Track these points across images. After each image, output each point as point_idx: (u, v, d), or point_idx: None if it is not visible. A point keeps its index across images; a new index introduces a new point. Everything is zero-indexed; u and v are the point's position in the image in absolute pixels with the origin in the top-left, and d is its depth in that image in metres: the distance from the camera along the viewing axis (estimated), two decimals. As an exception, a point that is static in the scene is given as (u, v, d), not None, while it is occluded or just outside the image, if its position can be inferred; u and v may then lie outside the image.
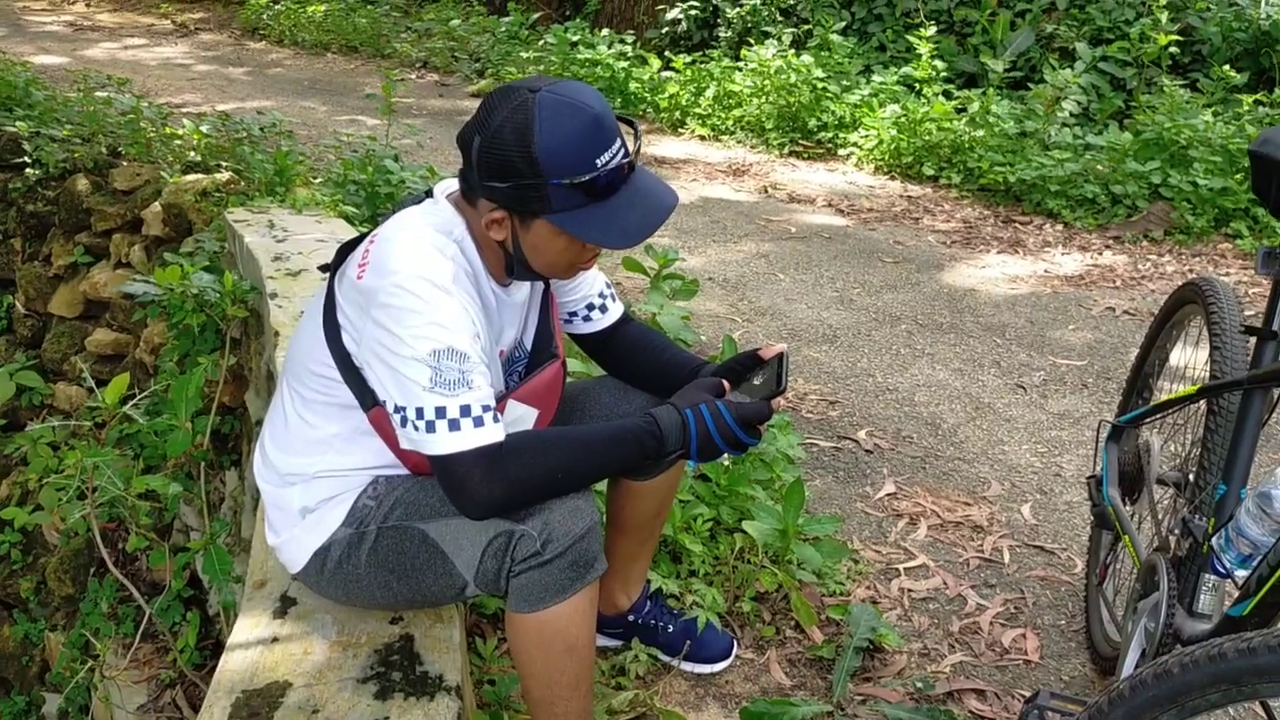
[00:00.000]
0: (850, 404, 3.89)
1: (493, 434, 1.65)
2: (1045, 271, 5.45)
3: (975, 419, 3.81)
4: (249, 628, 1.97)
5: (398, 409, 1.67)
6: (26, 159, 5.62)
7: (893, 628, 2.54)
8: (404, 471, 1.87)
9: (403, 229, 1.75)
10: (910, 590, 2.75)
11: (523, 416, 1.90)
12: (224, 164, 5.22)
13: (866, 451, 3.52)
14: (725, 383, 1.90)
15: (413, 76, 9.96)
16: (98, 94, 6.26)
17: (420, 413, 1.64)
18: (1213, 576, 1.86)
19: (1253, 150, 1.93)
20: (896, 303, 4.96)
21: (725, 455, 1.87)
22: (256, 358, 3.72)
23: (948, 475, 3.38)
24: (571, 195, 1.65)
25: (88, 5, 13.37)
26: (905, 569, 2.85)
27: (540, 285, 2.00)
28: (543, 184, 1.64)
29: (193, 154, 5.41)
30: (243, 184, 4.99)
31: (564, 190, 1.64)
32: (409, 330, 1.64)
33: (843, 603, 2.62)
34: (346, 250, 1.86)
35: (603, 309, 2.11)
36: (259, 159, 5.10)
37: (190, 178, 5.02)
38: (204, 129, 5.54)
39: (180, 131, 5.63)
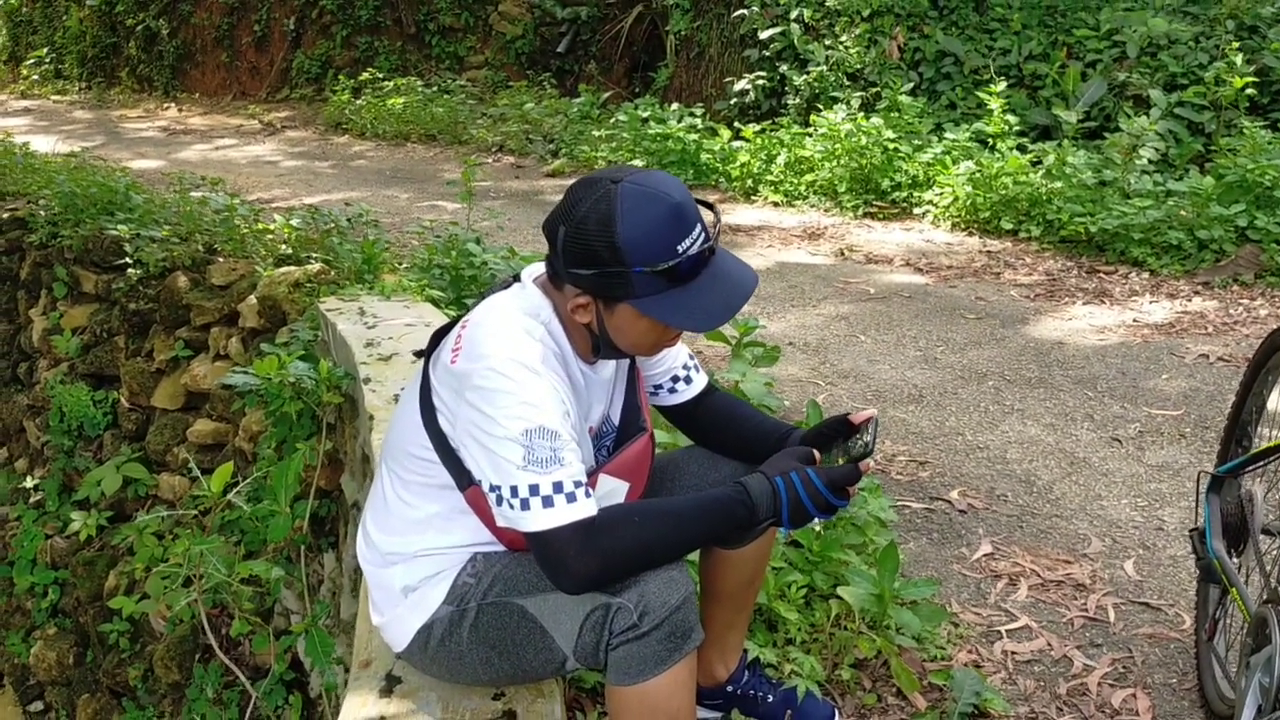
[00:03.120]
0: (940, 464, 3.85)
1: (586, 509, 1.69)
2: (1134, 321, 5.36)
3: (1071, 474, 3.74)
4: (357, 707, 2.02)
5: (493, 488, 1.72)
6: (128, 259, 5.87)
7: (998, 692, 2.49)
8: (501, 548, 1.91)
9: (493, 314, 1.82)
10: (1014, 653, 2.70)
11: (614, 490, 1.93)
12: (314, 255, 5.40)
13: (960, 512, 3.48)
14: (815, 451, 1.91)
15: (489, 160, 10.22)
16: (193, 194, 6.55)
17: (515, 491, 1.68)
18: (1328, 629, 1.80)
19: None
20: (982, 359, 4.91)
21: (816, 520, 1.88)
22: (351, 441, 3.82)
23: (1045, 533, 3.32)
24: (654, 281, 1.71)
25: (180, 110, 14.00)
26: (1007, 631, 2.80)
27: (626, 361, 2.04)
28: (626, 272, 1.70)
29: (284, 247, 5.61)
30: (333, 273, 5.16)
31: (647, 277, 1.70)
32: (502, 411, 1.70)
33: (944, 667, 2.58)
34: (440, 335, 1.93)
35: (687, 380, 2.15)
36: (347, 249, 5.27)
37: (283, 270, 5.20)
38: (294, 223, 5.75)
39: (271, 226, 5.85)
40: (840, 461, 1.89)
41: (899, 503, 3.52)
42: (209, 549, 3.64)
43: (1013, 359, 4.90)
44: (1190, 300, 5.60)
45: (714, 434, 2.17)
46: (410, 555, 1.93)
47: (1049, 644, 2.73)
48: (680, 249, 1.72)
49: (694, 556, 2.36)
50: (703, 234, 1.76)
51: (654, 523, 1.75)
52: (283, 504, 3.75)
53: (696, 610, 1.77)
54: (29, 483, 6.32)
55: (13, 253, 7.13)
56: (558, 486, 1.68)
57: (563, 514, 1.67)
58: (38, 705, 5.83)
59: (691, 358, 2.18)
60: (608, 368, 1.98)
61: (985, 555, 3.18)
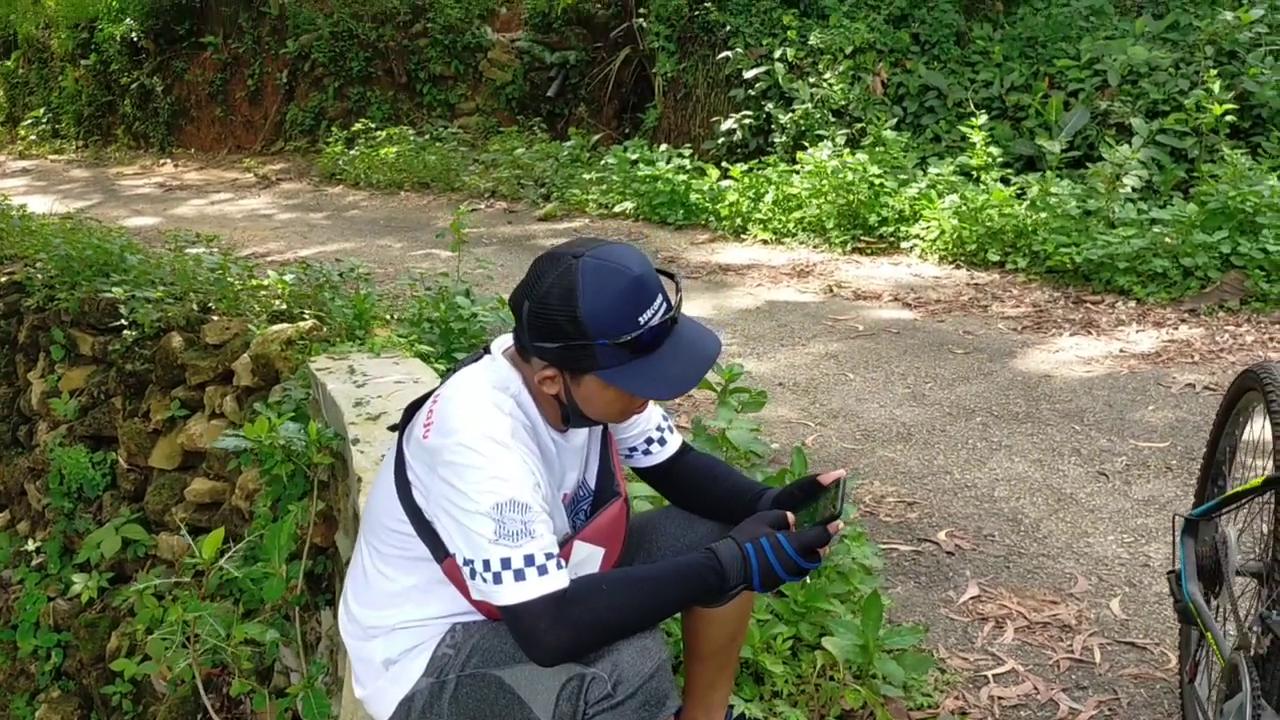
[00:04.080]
0: (929, 504, 3.88)
1: (557, 581, 1.72)
2: (1120, 351, 5.40)
3: (1058, 511, 3.76)
4: (342, 780, 2.04)
5: (466, 561, 1.76)
6: (123, 321, 5.93)
7: (983, 738, 2.50)
8: (480, 617, 1.94)
9: (462, 388, 1.86)
10: (1000, 698, 2.72)
11: (590, 556, 1.96)
12: (307, 311, 5.46)
13: (948, 553, 3.50)
14: (788, 515, 1.94)
15: (482, 206, 10.30)
16: (188, 251, 6.62)
17: (487, 564, 1.72)
18: (1297, 674, 1.82)
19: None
20: (970, 395, 4.94)
21: (788, 583, 1.91)
22: (344, 499, 3.85)
23: (1032, 573, 3.34)
24: (617, 353, 1.75)
25: (176, 166, 14.14)
26: (994, 675, 2.81)
27: (599, 426, 2.08)
28: (590, 344, 1.75)
29: (278, 303, 5.67)
30: (325, 330, 5.21)
31: (610, 349, 1.75)
32: (472, 485, 1.74)
33: (931, 715, 2.60)
34: (413, 409, 1.97)
35: (661, 442, 2.19)
36: (338, 304, 5.32)
37: (275, 328, 5.25)
38: (287, 278, 5.81)
39: (265, 282, 5.91)
40: (809, 524, 1.92)
41: (887, 545, 3.55)
42: (204, 613, 3.67)
43: (1000, 394, 4.93)
44: (1176, 328, 5.64)
45: (690, 494, 2.21)
46: (390, 628, 1.97)
47: (1035, 687, 2.75)
48: (642, 320, 1.77)
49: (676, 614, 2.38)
50: (664, 304, 1.81)
51: (625, 592, 1.78)
52: (277, 565, 3.78)
53: (671, 677, 1.80)
54: (31, 545, 6.35)
55: (10, 316, 7.19)
56: (529, 559, 1.72)
57: (534, 587, 1.71)
58: (42, 769, 5.82)
59: (665, 418, 2.22)
60: (580, 434, 2.02)
61: (972, 598, 3.20)
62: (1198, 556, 2.38)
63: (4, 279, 7.23)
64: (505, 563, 1.71)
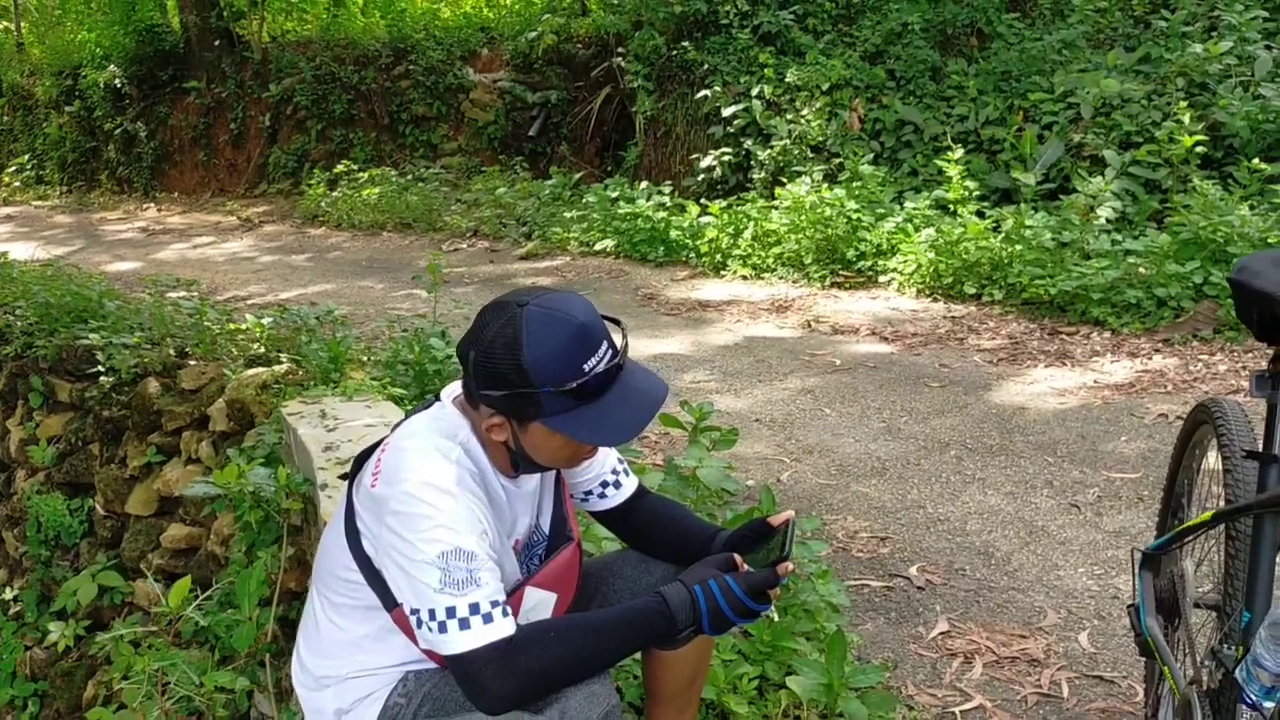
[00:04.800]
0: (901, 539, 3.88)
1: (502, 629, 1.72)
2: (1094, 382, 5.42)
3: (1029, 544, 3.77)
4: (297, 832, 2.02)
5: (413, 610, 1.75)
6: (100, 367, 5.92)
7: (948, 777, 2.49)
8: (433, 665, 1.93)
9: (410, 437, 1.87)
10: (967, 734, 2.71)
11: (542, 602, 1.96)
12: (284, 355, 5.46)
13: (918, 588, 3.50)
14: (736, 557, 1.95)
15: (464, 246, 10.34)
16: (168, 295, 6.62)
17: (432, 614, 1.72)
18: (1249, 709, 1.82)
19: (1232, 279, 1.97)
20: (944, 428, 4.96)
21: (738, 626, 1.90)
22: (315, 545, 3.83)
23: (1002, 607, 3.34)
24: (562, 400, 1.76)
25: (159, 210, 14.16)
26: (961, 712, 2.81)
27: (552, 472, 2.08)
28: (535, 393, 1.75)
29: (256, 346, 5.67)
30: (300, 373, 5.21)
31: (555, 397, 1.75)
32: (418, 535, 1.74)
33: (896, 754, 2.59)
34: (363, 458, 1.97)
35: (616, 485, 2.19)
36: (314, 348, 5.32)
37: (251, 372, 5.25)
38: (265, 321, 5.81)
39: (244, 326, 5.91)
40: (758, 566, 1.92)
41: (859, 581, 3.55)
42: (177, 660, 3.65)
43: (975, 426, 4.94)
44: (1150, 358, 5.66)
45: (645, 537, 2.21)
46: (342, 677, 1.96)
47: (1002, 724, 2.74)
48: (586, 368, 1.77)
49: (638, 655, 2.38)
50: (609, 351, 1.82)
51: (572, 638, 1.78)
52: (246, 612, 3.76)
53: (620, 722, 1.79)
54: (8, 594, 6.29)
55: (-11, 364, 7.17)
56: (474, 608, 1.71)
57: (479, 635, 1.70)
58: (19, 823, 5.75)
59: (621, 462, 2.22)
60: (532, 480, 2.02)
61: (942, 633, 3.19)
62: (1156, 590, 2.38)
63: (-17, 326, 7.21)
64: (450, 611, 1.71)
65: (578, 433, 1.80)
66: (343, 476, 2.03)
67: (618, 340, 1.86)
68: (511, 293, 1.87)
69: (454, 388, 1.97)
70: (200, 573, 4.91)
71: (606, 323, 1.86)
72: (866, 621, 3.30)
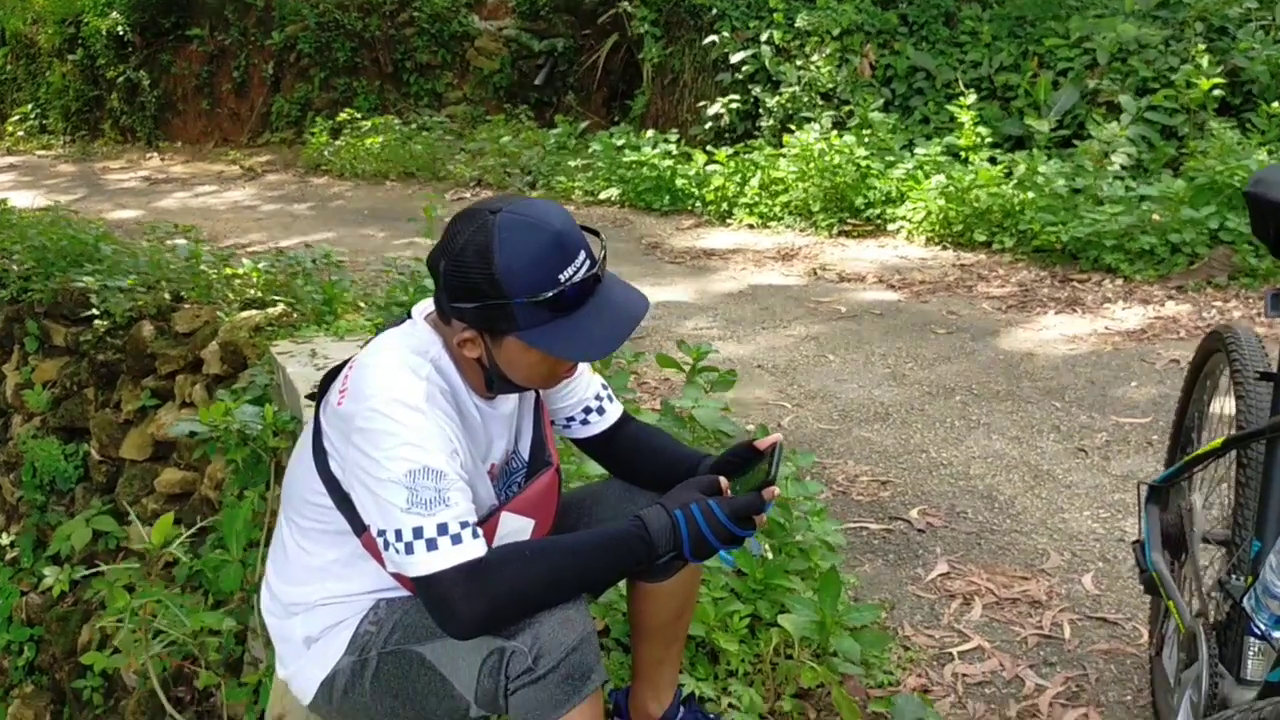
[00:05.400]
0: (902, 483, 3.79)
1: (471, 550, 1.63)
2: (1105, 328, 5.31)
3: (1034, 488, 3.67)
4: (266, 764, 1.96)
5: (380, 532, 1.67)
6: (95, 311, 5.84)
7: (943, 717, 2.42)
8: (405, 593, 1.85)
9: (378, 353, 1.77)
10: (965, 675, 2.63)
11: (519, 528, 1.87)
12: (279, 298, 5.37)
13: (919, 531, 3.41)
14: (721, 480, 1.85)
15: (468, 195, 10.20)
16: (168, 242, 6.53)
17: (399, 534, 1.63)
18: (1256, 640, 1.74)
19: (1248, 192, 1.86)
20: (950, 374, 4.85)
21: (723, 551, 1.81)
22: (304, 485, 3.76)
23: (1004, 550, 3.26)
24: (537, 312, 1.66)
25: (162, 159, 14.04)
26: (959, 653, 2.73)
27: (530, 394, 1.99)
28: (508, 304, 1.65)
29: (253, 291, 5.58)
30: (294, 316, 5.12)
31: (529, 308, 1.65)
32: (384, 453, 1.65)
33: (889, 694, 2.51)
34: (330, 377, 1.88)
35: (600, 411, 2.09)
36: (308, 290, 5.24)
37: (244, 315, 5.17)
38: (261, 266, 5.72)
39: (241, 271, 5.82)
40: (743, 491, 1.83)
41: (858, 524, 3.46)
42: (166, 600, 3.59)
43: (981, 372, 4.84)
44: (1163, 305, 5.54)
45: (629, 465, 2.11)
46: (311, 604, 1.88)
47: (1001, 664, 2.66)
48: (562, 278, 1.67)
49: (624, 590, 2.30)
50: (587, 261, 1.71)
51: (546, 561, 1.69)
52: (234, 553, 3.70)
53: (597, 650, 1.71)
54: (4, 539, 6.26)
55: (-14, 309, 7.11)
56: (442, 528, 1.63)
57: (447, 556, 1.62)
58: (17, 765, 5.75)
59: (605, 387, 2.12)
60: (508, 402, 1.93)
61: (941, 575, 3.11)
62: (1163, 525, 2.29)
63: (-21, 271, 7.14)
64: (417, 532, 1.62)
65: (553, 347, 1.70)
66: (310, 396, 1.94)
67: (596, 251, 1.76)
68: (484, 200, 1.76)
69: (426, 305, 1.87)
70: (194, 517, 4.86)
71: (585, 234, 1.76)
72: (864, 563, 3.22)
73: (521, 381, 1.81)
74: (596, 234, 1.81)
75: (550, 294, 1.66)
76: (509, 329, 1.70)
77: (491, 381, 1.81)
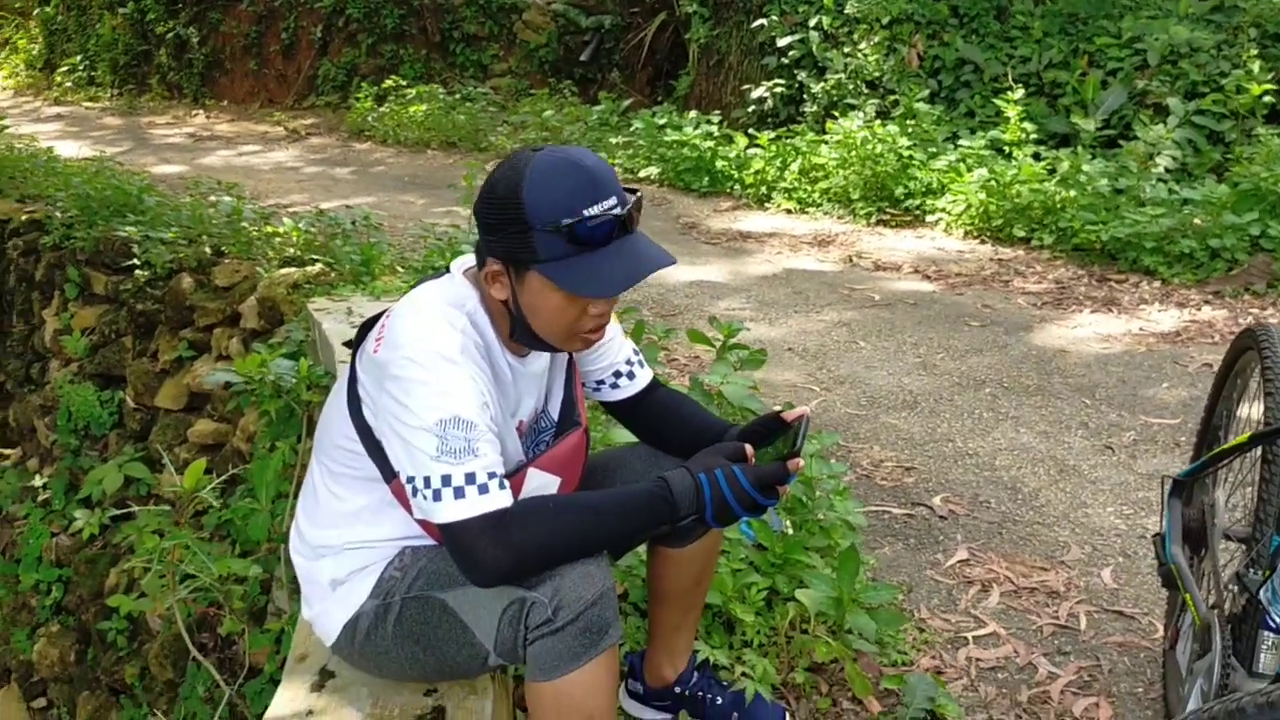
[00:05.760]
0: (927, 470, 3.79)
1: (498, 500, 1.66)
2: (1140, 329, 5.27)
3: (1058, 481, 3.67)
4: (287, 701, 2.01)
5: (409, 479, 1.70)
6: (136, 261, 5.92)
7: (955, 698, 2.44)
8: (431, 542, 1.89)
9: (415, 303, 1.80)
10: (978, 659, 2.65)
11: (545, 485, 1.91)
12: (317, 258, 5.43)
13: (940, 518, 3.42)
14: (747, 447, 1.87)
15: (508, 167, 10.22)
16: (210, 198, 6.61)
17: (427, 481, 1.67)
18: (1271, 634, 1.74)
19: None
20: (981, 366, 4.84)
21: (745, 519, 1.83)
22: (334, 440, 3.81)
23: (1025, 540, 3.26)
24: (557, 242, 1.68)
25: (207, 117, 14.15)
26: (974, 637, 2.74)
27: (563, 356, 2.02)
28: (529, 232, 1.68)
29: (292, 250, 5.65)
30: (332, 275, 5.18)
31: (549, 236, 1.68)
32: (416, 400, 1.68)
33: (904, 673, 2.54)
34: (368, 326, 1.91)
35: (630, 376, 2.12)
36: (347, 251, 5.29)
37: (283, 271, 5.23)
38: (301, 225, 5.79)
39: (281, 230, 5.89)
40: (768, 460, 1.85)
41: (880, 507, 3.48)
42: (191, 545, 3.66)
43: (1013, 366, 4.83)
44: (1199, 309, 5.50)
45: (657, 431, 2.14)
46: (339, 548, 1.92)
47: (1015, 651, 2.67)
48: (586, 213, 1.68)
49: (643, 555, 2.33)
50: (617, 205, 1.72)
51: (570, 515, 1.72)
52: (263, 502, 3.77)
53: (615, 606, 1.74)
54: (37, 481, 6.38)
55: (30, 254, 7.22)
56: (470, 477, 1.66)
57: (474, 505, 1.65)
58: (41, 702, 5.88)
59: (636, 353, 2.15)
60: (539, 361, 1.95)
61: (960, 561, 3.12)
62: (1185, 519, 2.29)
63: (25, 217, 7.25)
64: (446, 480, 1.66)
65: (565, 280, 1.70)
66: (347, 343, 1.98)
67: (631, 205, 1.76)
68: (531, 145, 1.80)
69: (465, 259, 1.91)
70: (225, 467, 4.94)
71: (625, 190, 1.77)
72: (884, 546, 3.23)
73: (542, 331, 1.80)
74: (635, 191, 1.82)
75: (569, 222, 1.67)
76: (530, 260, 1.72)
77: (516, 329, 1.83)
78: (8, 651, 6.17)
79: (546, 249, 1.68)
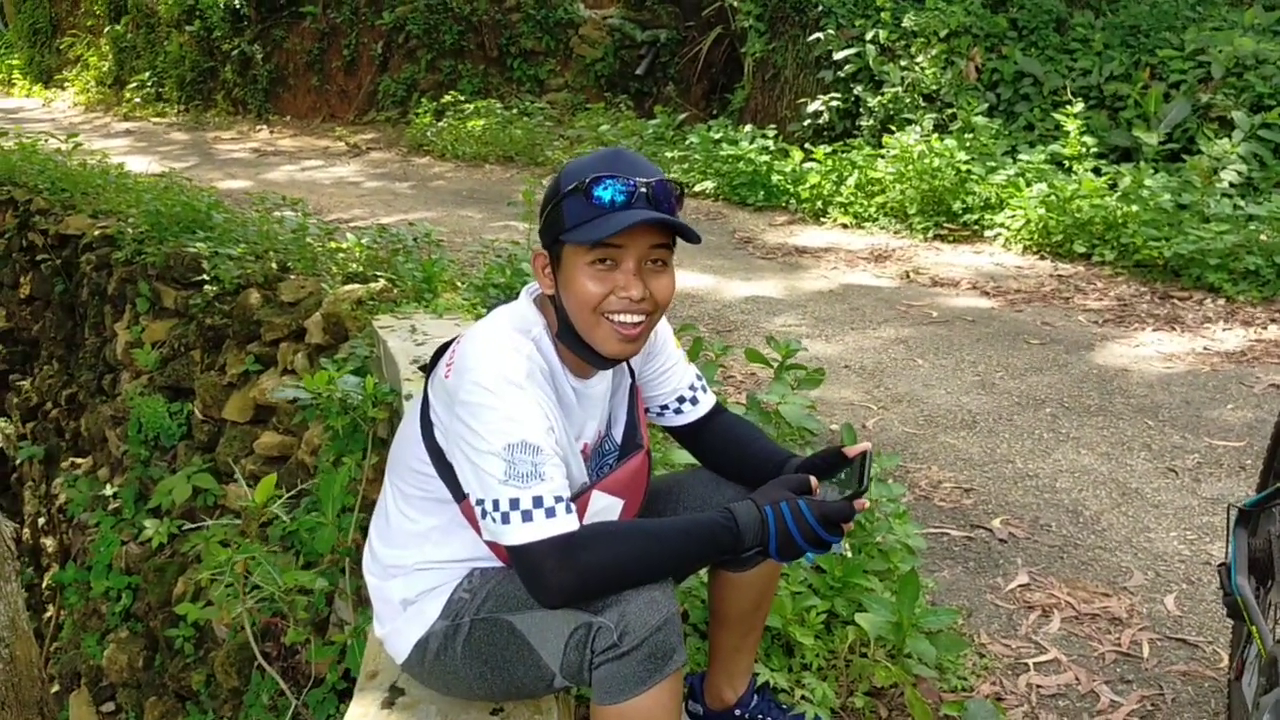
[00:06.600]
0: (986, 491, 3.78)
1: (565, 524, 1.71)
2: (1204, 348, 5.21)
3: (1120, 505, 3.64)
4: (359, 716, 2.06)
5: (478, 501, 1.75)
6: (205, 276, 6.07)
7: (1015, 725, 2.44)
8: (499, 563, 1.93)
9: (484, 329, 1.86)
10: (1039, 686, 2.64)
11: (608, 507, 1.94)
12: (380, 274, 5.53)
13: (1000, 541, 3.41)
14: (813, 479, 1.90)
15: (565, 181, 10.31)
16: (275, 214, 6.75)
17: (496, 504, 1.71)
18: (1339, 671, 1.73)
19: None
20: (1041, 385, 4.81)
21: (810, 555, 1.85)
22: (398, 455, 3.88)
23: (1086, 565, 3.24)
24: (577, 204, 1.78)
25: (271, 132, 14.43)
26: (1035, 664, 2.74)
27: (626, 379, 2.06)
28: (560, 201, 1.80)
29: (355, 265, 5.75)
30: (395, 291, 5.27)
31: (571, 199, 1.79)
32: (485, 425, 1.73)
33: (963, 699, 2.54)
34: (442, 351, 1.97)
35: (693, 401, 2.16)
36: (409, 267, 5.38)
37: (348, 288, 5.33)
38: (364, 241, 5.89)
39: (344, 245, 6.00)
40: (832, 495, 1.87)
41: (939, 529, 3.47)
42: (259, 557, 3.74)
43: (1073, 386, 4.79)
44: (1266, 328, 5.41)
45: (718, 457, 2.17)
46: (410, 568, 1.97)
47: (1077, 678, 2.66)
48: (605, 178, 1.78)
49: (705, 577, 2.36)
50: (641, 189, 1.79)
51: (635, 542, 1.76)
52: (329, 516, 3.84)
53: (679, 632, 1.77)
54: (108, 490, 6.55)
55: (102, 269, 7.42)
56: (537, 501, 1.70)
57: (541, 529, 1.70)
58: (109, 706, 6.03)
59: (699, 378, 2.19)
60: (602, 382, 1.99)
61: (1020, 586, 3.11)
62: (1251, 549, 2.27)
63: (98, 232, 7.45)
64: (514, 503, 1.70)
65: (576, 234, 1.78)
66: (422, 368, 2.04)
67: (672, 194, 1.83)
68: None
69: (534, 285, 1.96)
70: (290, 480, 5.04)
71: (667, 182, 1.82)
72: (943, 569, 3.23)
73: (575, 316, 1.84)
74: (679, 183, 1.86)
75: (587, 181, 1.77)
76: (559, 230, 1.82)
77: (561, 329, 1.88)
78: (79, 656, 6.33)
79: (571, 214, 1.79)
